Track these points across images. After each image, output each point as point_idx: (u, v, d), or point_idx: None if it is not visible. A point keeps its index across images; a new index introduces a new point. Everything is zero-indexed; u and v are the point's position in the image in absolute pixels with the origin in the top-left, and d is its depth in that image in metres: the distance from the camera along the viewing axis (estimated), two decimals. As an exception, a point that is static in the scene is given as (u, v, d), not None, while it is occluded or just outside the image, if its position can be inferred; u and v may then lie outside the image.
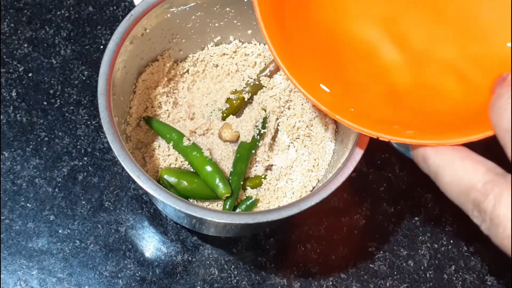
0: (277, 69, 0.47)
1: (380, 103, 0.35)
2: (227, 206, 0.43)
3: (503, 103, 0.29)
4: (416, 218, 0.50)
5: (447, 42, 0.35)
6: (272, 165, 0.46)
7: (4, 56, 0.51)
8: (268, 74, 0.47)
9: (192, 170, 0.44)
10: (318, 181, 0.45)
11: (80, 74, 0.52)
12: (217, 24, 0.45)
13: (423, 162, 0.31)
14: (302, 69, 0.35)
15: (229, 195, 0.42)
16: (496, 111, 0.29)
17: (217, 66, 0.48)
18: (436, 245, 0.49)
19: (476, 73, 0.34)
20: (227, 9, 0.44)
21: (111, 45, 0.39)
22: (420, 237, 0.49)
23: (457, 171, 0.29)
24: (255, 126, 0.45)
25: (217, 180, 0.42)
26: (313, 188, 0.45)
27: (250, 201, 0.44)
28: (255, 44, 0.48)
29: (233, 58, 0.48)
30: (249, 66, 0.48)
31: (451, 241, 0.49)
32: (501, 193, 0.27)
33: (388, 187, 0.50)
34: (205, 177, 0.43)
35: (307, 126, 0.46)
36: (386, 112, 0.35)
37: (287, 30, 0.35)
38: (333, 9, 0.37)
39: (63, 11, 0.53)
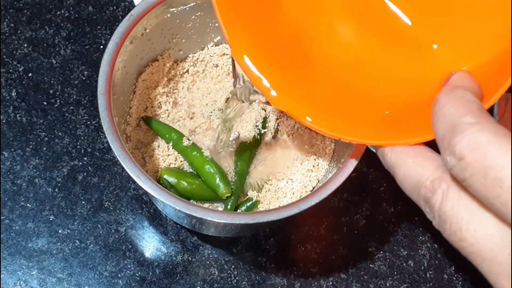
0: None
1: (338, 102, 0.35)
2: (229, 206, 0.43)
3: (437, 110, 0.28)
4: (416, 218, 0.50)
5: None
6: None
7: (4, 56, 0.51)
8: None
9: (192, 171, 0.44)
10: (318, 181, 0.45)
11: (80, 74, 0.51)
12: (217, 24, 0.45)
13: (382, 159, 0.32)
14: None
15: (229, 194, 0.42)
16: (432, 117, 0.29)
17: (217, 66, 0.48)
18: (436, 245, 0.49)
19: (427, 74, 0.33)
20: (227, 9, 0.44)
21: (111, 45, 0.39)
22: (420, 237, 0.49)
23: (408, 169, 0.29)
24: (255, 126, 0.45)
25: (218, 180, 0.42)
26: (313, 188, 0.45)
27: (251, 202, 0.44)
28: (255, 44, 0.48)
29: (233, 58, 0.48)
30: (249, 66, 0.48)
31: (451, 241, 0.49)
32: (447, 189, 0.27)
33: (388, 187, 0.50)
34: (205, 177, 0.43)
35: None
36: (345, 112, 0.35)
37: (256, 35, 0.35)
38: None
39: (63, 11, 0.53)
